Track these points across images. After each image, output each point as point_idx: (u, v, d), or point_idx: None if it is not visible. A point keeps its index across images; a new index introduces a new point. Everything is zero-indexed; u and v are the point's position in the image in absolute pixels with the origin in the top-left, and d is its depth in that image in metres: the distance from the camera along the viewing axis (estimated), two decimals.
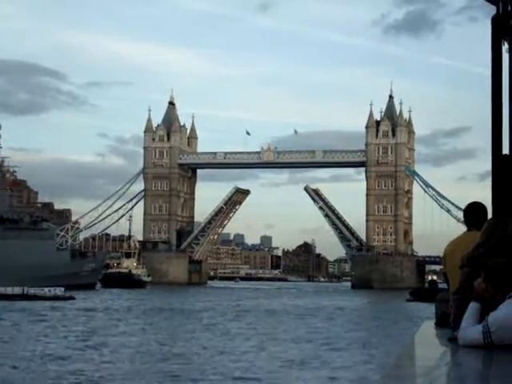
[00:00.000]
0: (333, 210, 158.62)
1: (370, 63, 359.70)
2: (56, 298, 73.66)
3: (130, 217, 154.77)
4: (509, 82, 6.34)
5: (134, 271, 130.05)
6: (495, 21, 6.37)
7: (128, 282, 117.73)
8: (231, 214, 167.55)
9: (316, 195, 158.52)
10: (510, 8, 6.34)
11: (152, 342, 37.55)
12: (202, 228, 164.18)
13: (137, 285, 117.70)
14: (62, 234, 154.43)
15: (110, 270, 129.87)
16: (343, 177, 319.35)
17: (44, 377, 25.82)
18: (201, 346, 36.10)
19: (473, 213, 5.85)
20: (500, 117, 6.37)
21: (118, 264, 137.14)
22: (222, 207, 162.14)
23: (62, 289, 77.74)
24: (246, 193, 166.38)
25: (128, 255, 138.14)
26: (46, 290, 75.87)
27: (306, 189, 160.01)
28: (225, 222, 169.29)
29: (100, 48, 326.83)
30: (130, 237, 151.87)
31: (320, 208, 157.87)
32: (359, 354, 33.56)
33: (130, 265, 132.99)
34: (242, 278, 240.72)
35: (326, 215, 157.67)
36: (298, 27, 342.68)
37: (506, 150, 6.39)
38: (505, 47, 6.34)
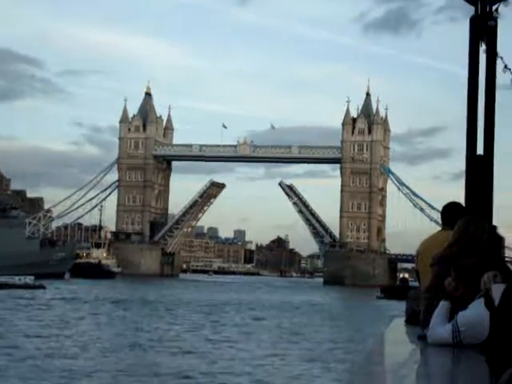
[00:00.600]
0: (307, 206, 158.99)
1: (348, 60, 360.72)
2: (26, 286, 73.19)
3: (101, 206, 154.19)
4: (485, 83, 6.37)
5: (103, 262, 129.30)
6: (473, 21, 6.39)
7: (97, 272, 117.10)
8: (206, 208, 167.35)
9: (290, 191, 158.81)
10: (488, 9, 6.36)
11: (121, 334, 37.45)
12: (176, 220, 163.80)
13: (106, 275, 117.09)
14: (34, 222, 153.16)
15: (79, 260, 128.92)
16: (318, 173, 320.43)
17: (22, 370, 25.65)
18: (174, 338, 36.05)
19: (449, 212, 5.86)
20: (475, 117, 6.40)
21: (87, 254, 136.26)
22: (197, 200, 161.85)
23: (32, 277, 77.29)
24: (222, 186, 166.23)
25: (98, 245, 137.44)
26: (16, 278, 75.33)
27: (280, 184, 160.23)
28: (199, 215, 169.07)
29: (78, 36, 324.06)
30: (100, 227, 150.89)
31: (294, 204, 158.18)
32: (329, 350, 33.68)
33: (99, 255, 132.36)
34: (215, 272, 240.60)
35: (300, 211, 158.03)
36: (277, 22, 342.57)
37: (480, 151, 6.42)
38: (482, 48, 6.36)
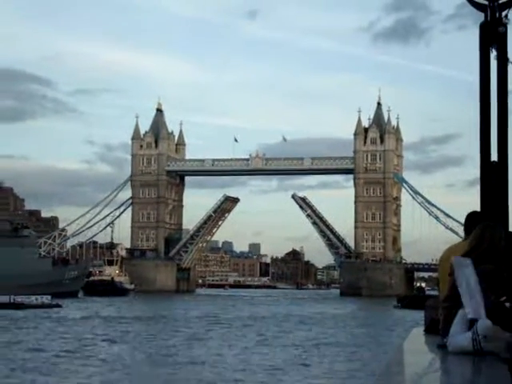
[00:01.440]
0: (321, 218, 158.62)
1: (358, 70, 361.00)
2: (43, 306, 73.37)
3: (113, 224, 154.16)
4: (497, 90, 6.36)
5: (116, 279, 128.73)
6: (483, 28, 6.38)
7: (110, 289, 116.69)
8: (220, 222, 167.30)
9: (303, 203, 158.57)
10: (498, 15, 6.35)
11: (139, 351, 37.41)
12: (190, 236, 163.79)
13: (119, 292, 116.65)
14: (50, 241, 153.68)
15: (92, 278, 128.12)
16: (332, 184, 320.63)
17: None
18: (192, 353, 35.97)
19: (471, 221, 5.86)
20: (488, 124, 6.38)
21: (100, 272, 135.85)
22: (211, 215, 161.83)
23: (49, 297, 77.46)
24: (236, 201, 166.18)
25: (110, 263, 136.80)
26: (33, 298, 75.52)
27: (293, 197, 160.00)
28: (214, 230, 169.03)
29: (88, 55, 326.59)
30: (112, 244, 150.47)
31: (308, 216, 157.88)
32: (348, 361, 33.52)
33: (112, 272, 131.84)
34: (231, 286, 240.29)
35: (314, 223, 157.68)
36: (286, 34, 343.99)
37: (494, 157, 6.40)
38: (493, 54, 6.35)
